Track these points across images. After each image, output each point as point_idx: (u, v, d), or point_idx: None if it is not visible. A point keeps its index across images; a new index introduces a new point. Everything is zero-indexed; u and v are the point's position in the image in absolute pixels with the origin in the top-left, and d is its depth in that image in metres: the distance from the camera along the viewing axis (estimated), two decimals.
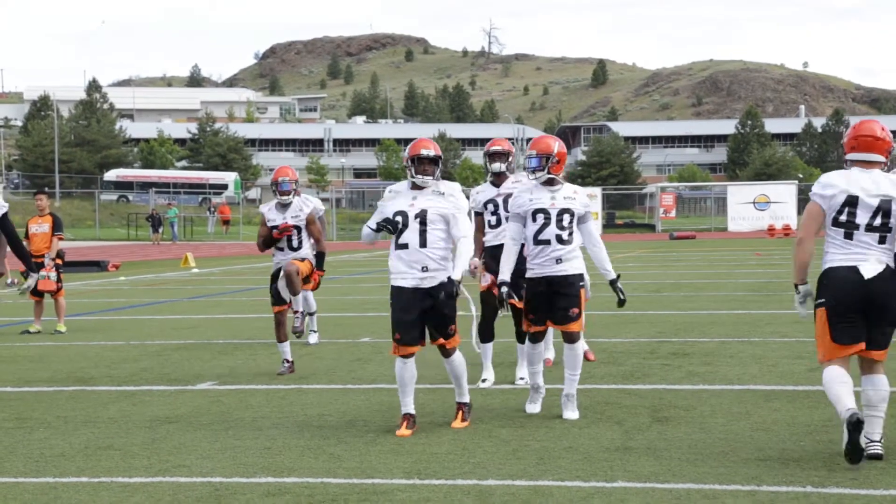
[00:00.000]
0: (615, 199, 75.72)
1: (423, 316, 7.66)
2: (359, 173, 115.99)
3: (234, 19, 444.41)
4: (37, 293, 15.01)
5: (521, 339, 9.44)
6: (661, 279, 23.56)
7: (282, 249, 11.10)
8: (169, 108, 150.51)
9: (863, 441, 6.37)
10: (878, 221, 6.52)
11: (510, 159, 9.55)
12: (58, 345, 13.66)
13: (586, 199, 8.24)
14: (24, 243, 13.33)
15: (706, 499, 5.73)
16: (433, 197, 7.71)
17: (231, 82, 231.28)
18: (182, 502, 5.91)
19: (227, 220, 67.48)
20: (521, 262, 8.28)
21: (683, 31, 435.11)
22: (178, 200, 77.90)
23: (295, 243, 11.10)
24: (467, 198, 8.26)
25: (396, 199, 7.77)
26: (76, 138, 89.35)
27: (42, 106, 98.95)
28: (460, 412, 7.90)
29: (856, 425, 6.21)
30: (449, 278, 7.59)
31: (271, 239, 11.03)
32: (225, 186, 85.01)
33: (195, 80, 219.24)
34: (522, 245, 8.24)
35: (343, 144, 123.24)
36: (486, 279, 9.38)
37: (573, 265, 8.07)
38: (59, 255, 15.46)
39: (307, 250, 11.18)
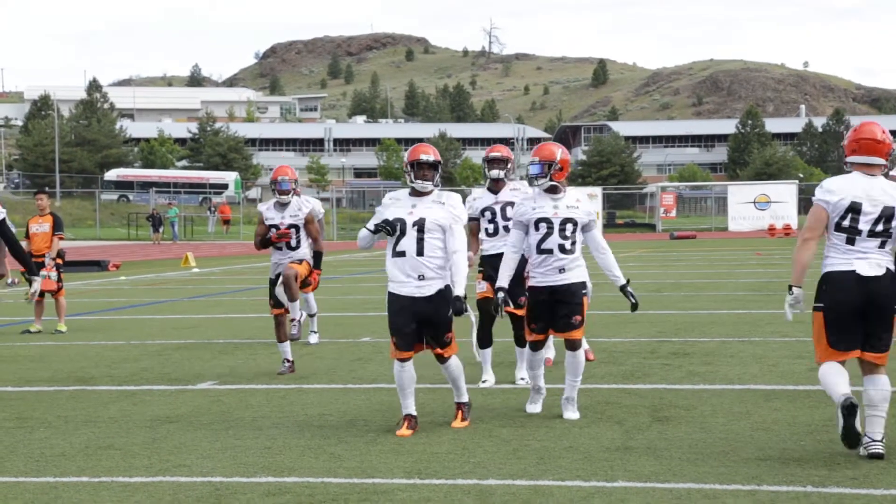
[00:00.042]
0: (615, 199, 75.66)
1: (419, 323, 7.65)
2: (359, 173, 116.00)
3: (235, 19, 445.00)
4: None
5: (520, 343, 9.43)
6: (662, 279, 23.55)
7: (280, 249, 11.09)
8: (169, 108, 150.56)
9: (864, 440, 6.42)
10: (879, 227, 6.57)
11: (509, 166, 9.58)
12: (58, 344, 13.67)
13: (590, 207, 8.22)
14: (25, 243, 13.29)
15: (707, 498, 5.73)
16: (432, 206, 7.69)
17: (231, 82, 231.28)
18: (182, 502, 5.91)
19: (227, 220, 67.41)
20: (519, 265, 8.28)
21: (684, 30, 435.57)
22: (179, 200, 77.86)
23: (293, 243, 11.09)
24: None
25: (395, 205, 7.76)
26: (76, 138, 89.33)
27: (42, 105, 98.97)
28: (460, 412, 7.90)
29: (850, 409, 6.34)
30: (456, 296, 7.53)
31: (269, 239, 11.03)
32: (225, 186, 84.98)
33: (195, 80, 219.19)
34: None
35: (343, 144, 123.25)
36: (483, 286, 9.38)
37: (576, 274, 8.06)
38: (60, 254, 15.45)
39: (305, 250, 11.16)
